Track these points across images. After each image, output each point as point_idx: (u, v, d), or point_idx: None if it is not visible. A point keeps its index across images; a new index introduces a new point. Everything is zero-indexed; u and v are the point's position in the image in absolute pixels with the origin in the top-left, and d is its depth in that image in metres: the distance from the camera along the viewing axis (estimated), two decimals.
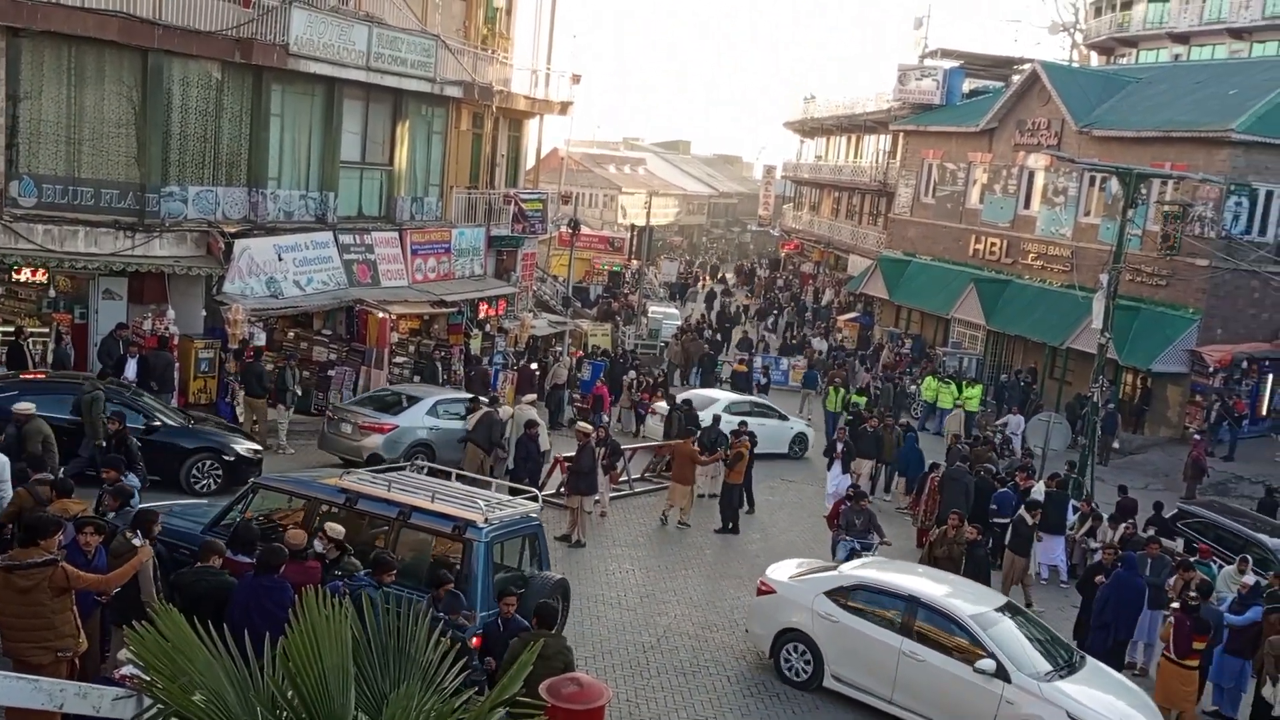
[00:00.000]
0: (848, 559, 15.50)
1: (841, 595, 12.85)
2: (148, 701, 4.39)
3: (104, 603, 8.70)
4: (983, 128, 39.68)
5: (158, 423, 16.76)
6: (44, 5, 19.02)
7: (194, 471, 16.61)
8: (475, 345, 28.10)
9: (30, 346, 18.92)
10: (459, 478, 13.45)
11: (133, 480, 11.64)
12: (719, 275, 67.28)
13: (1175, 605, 13.83)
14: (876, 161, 51.32)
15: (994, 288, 37.47)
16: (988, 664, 11.42)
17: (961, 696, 11.50)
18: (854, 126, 54.30)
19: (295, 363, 22.35)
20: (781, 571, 13.99)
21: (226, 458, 16.92)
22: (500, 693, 3.90)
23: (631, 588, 15.96)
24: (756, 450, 21.26)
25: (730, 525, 19.60)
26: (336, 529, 10.40)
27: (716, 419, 22.29)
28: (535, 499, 12.51)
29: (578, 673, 9.21)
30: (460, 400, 20.60)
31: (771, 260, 72.35)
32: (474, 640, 9.52)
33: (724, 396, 26.89)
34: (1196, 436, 27.67)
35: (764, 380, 34.33)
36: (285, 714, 3.99)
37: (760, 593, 13.72)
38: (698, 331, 38.94)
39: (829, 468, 21.81)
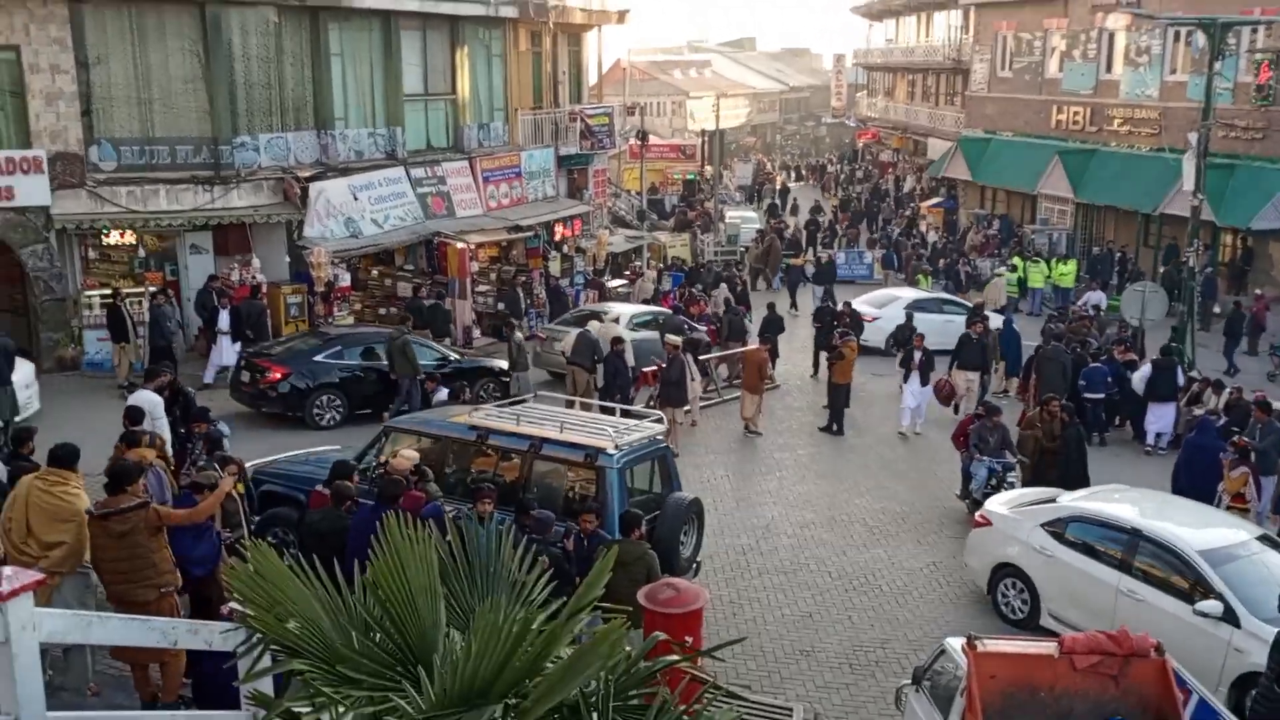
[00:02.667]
0: (988, 480, 14.93)
1: (1058, 528, 11.84)
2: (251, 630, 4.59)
3: (228, 546, 9.03)
4: None
5: (453, 358, 19.48)
6: None
7: (481, 393, 18.76)
8: (555, 267, 28.21)
9: (128, 307, 19.55)
10: (582, 406, 13.42)
11: (222, 428, 12.13)
12: (798, 173, 66.18)
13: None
14: (949, 39, 49.64)
15: (1080, 158, 36.24)
16: (1212, 606, 10.03)
17: (1185, 642, 9.58)
18: (923, 5, 52.54)
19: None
20: (999, 502, 13.12)
21: (503, 378, 19.22)
22: (578, 600, 3.99)
23: (726, 492, 16.11)
24: (944, 347, 21.11)
25: (835, 427, 19.47)
26: (411, 454, 10.66)
27: (910, 315, 23.38)
28: (660, 421, 12.32)
29: (673, 579, 9.40)
30: (647, 314, 22.92)
31: (848, 152, 70.92)
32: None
33: (907, 294, 26.91)
34: (1259, 292, 27.08)
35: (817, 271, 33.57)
36: (378, 635, 4.15)
37: (977, 525, 12.93)
38: (777, 232, 38.48)
39: (904, 380, 19.67)
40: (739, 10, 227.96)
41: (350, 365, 18.28)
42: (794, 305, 30.44)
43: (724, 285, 28.89)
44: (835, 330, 21.33)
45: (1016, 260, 32.12)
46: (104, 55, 20.25)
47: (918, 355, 19.47)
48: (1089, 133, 36.96)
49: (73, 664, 8.08)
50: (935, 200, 46.45)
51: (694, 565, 11.90)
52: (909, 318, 23.25)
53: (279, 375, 17.64)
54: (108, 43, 20.31)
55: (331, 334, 19.47)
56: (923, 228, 42.78)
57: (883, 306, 25.54)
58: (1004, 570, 12.33)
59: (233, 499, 9.20)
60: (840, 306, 23.88)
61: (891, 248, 36.91)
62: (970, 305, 25.51)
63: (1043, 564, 11.89)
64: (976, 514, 13.31)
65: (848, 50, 72.40)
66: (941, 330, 23.04)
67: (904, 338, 22.15)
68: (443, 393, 15.56)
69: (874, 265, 35.67)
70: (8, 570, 4.84)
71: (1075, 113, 37.65)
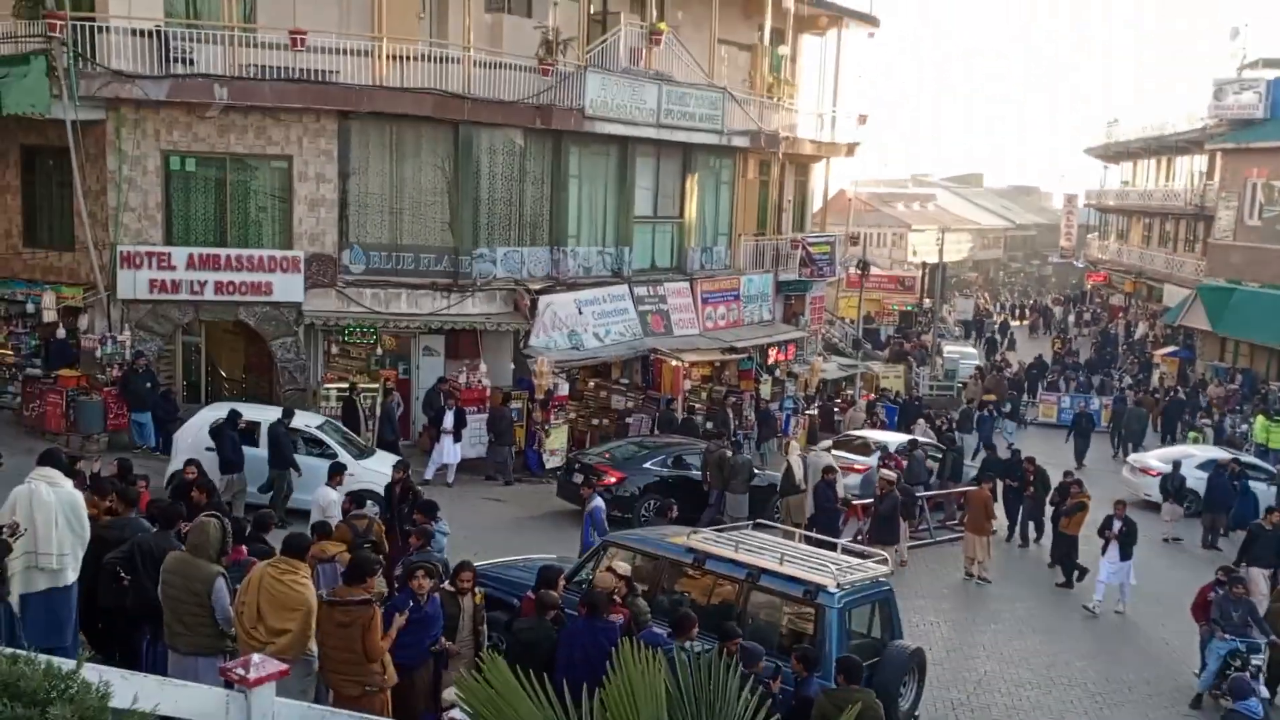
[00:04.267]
0: (1223, 663, 13.32)
1: None
2: None
3: (437, 651, 9.16)
4: None
5: (755, 471, 19.74)
6: (370, 89, 20.87)
7: (775, 509, 19.19)
8: (765, 390, 28.16)
9: (362, 401, 20.61)
10: (803, 538, 12.88)
11: (442, 527, 12.46)
12: (1021, 312, 64.35)
13: None
14: (1191, 184, 47.71)
15: None
16: None
17: None
18: (1163, 148, 50.82)
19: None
20: None
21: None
22: None
23: (938, 640, 15.35)
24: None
25: (1071, 579, 18.47)
26: (623, 566, 10.57)
27: (1176, 465, 22.59)
28: (885, 562, 11.75)
29: None
30: (911, 444, 22.77)
31: (1075, 293, 68.58)
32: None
33: (1202, 452, 25.59)
34: None
35: (988, 413, 30.73)
36: None
37: None
38: (998, 369, 37.36)
39: (1102, 551, 17.51)
40: (968, 147, 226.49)
41: (670, 473, 19.54)
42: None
43: (921, 421, 28.14)
44: (1062, 485, 20.02)
45: (1260, 420, 30.00)
46: (363, 166, 21.77)
47: (1117, 524, 17.30)
48: None
49: None
50: (1170, 349, 44.15)
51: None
52: (1175, 466, 22.13)
53: (615, 479, 18.74)
54: (368, 155, 21.84)
55: (655, 442, 20.97)
56: (1156, 378, 40.68)
57: (1170, 463, 23.95)
58: None
59: (455, 604, 9.32)
60: (1025, 460, 21.63)
61: (1121, 396, 35.18)
62: (1275, 471, 23.74)
63: None
64: None
65: (1079, 190, 70.47)
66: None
67: (1173, 488, 21.07)
68: (597, 501, 15.26)
69: (1102, 413, 33.98)
70: (256, 658, 5.03)
71: None
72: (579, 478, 19.01)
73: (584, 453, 20.84)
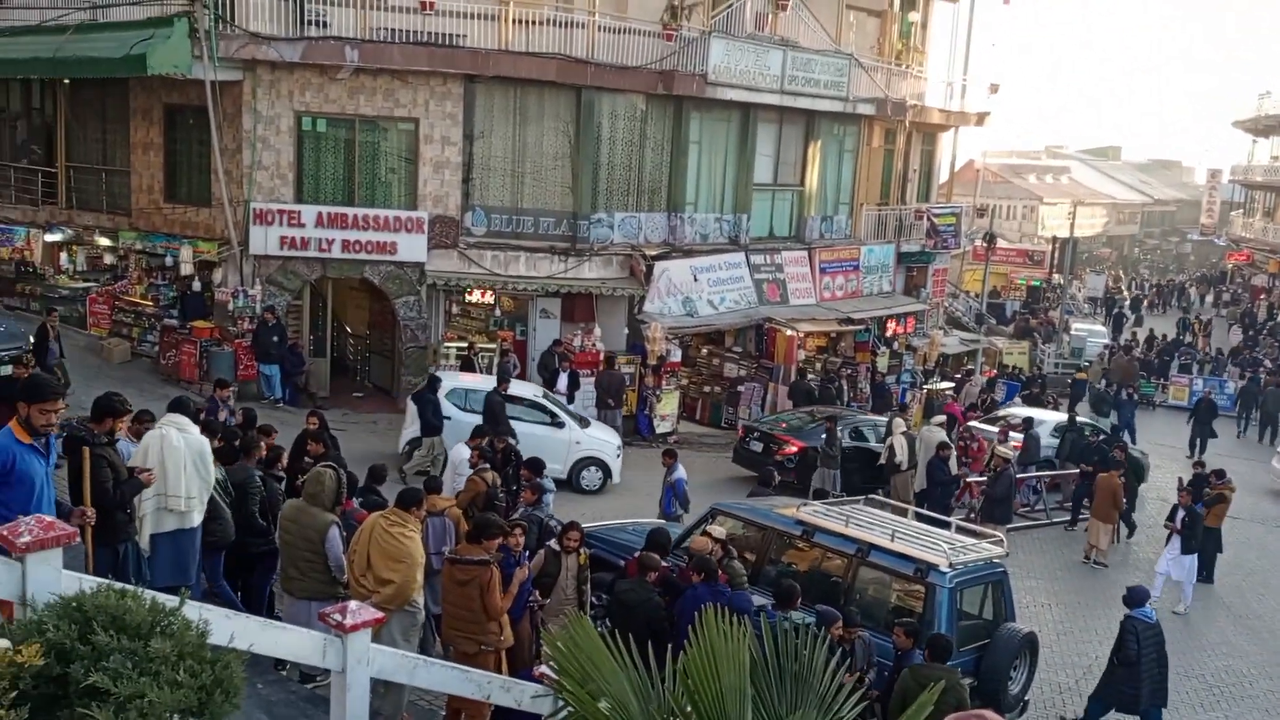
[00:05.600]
0: None
1: None
2: (561, 701, 4.71)
3: (537, 607, 9.37)
4: None
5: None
6: (495, 53, 21.11)
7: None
8: (882, 363, 27.77)
9: (479, 360, 21.03)
10: (916, 515, 12.67)
11: (548, 484, 12.72)
12: (1158, 290, 61.94)
13: None
14: None
15: None
16: None
17: None
18: None
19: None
20: None
21: None
22: None
23: (1048, 623, 15.06)
24: None
25: (1205, 573, 17.55)
26: (719, 530, 10.62)
27: None
28: (1001, 543, 11.45)
29: (984, 710, 8.81)
30: (1067, 425, 22.59)
31: (1214, 273, 65.68)
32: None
33: None
34: None
35: (1126, 396, 29.30)
36: None
37: None
38: (1126, 350, 36.13)
39: (1166, 541, 16.62)
40: (1106, 118, 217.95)
41: (847, 445, 19.38)
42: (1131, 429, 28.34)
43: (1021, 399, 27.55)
44: (1199, 476, 19.13)
45: None
46: (487, 130, 22.03)
47: (1180, 515, 16.14)
48: None
49: (391, 693, 8.58)
50: None
51: (1021, 705, 11.09)
52: None
53: (796, 449, 18.94)
54: (492, 118, 22.09)
55: (831, 414, 20.50)
56: None
57: None
58: None
59: (557, 563, 9.51)
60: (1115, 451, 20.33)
61: (1256, 378, 33.63)
62: None
63: None
64: None
65: (1224, 165, 67.36)
66: None
67: None
68: (679, 472, 15.12)
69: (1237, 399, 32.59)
70: (353, 604, 5.23)
71: None
72: (759, 445, 19.12)
73: (759, 421, 21.01)
